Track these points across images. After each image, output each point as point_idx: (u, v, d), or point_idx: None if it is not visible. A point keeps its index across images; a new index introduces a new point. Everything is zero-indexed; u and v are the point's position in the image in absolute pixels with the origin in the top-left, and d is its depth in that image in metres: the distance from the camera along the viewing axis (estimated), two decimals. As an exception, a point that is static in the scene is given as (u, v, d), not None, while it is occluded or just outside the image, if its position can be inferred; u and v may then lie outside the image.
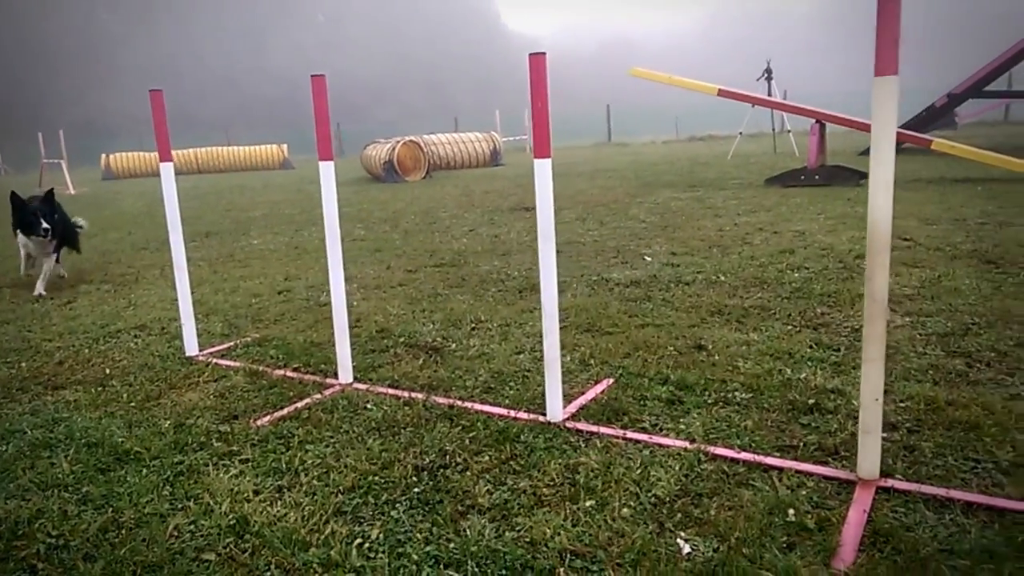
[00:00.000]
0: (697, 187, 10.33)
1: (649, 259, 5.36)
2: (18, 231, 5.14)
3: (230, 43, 66.43)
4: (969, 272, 4.29)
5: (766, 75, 15.62)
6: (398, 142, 16.48)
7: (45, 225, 4.94)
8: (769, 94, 15.53)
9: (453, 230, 7.53)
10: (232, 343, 3.73)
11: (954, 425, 2.34)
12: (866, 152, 13.49)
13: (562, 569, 1.70)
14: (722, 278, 4.58)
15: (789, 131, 16.61)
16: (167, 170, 3.36)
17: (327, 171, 2.95)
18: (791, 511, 1.88)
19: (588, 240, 6.35)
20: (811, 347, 3.17)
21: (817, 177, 9.45)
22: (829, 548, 1.73)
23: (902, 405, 2.52)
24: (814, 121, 9.75)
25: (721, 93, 10.22)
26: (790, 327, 3.49)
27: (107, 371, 3.36)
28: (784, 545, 1.76)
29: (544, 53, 2.38)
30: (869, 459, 2.04)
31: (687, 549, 1.76)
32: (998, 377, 2.72)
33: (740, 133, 16.29)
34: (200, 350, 3.59)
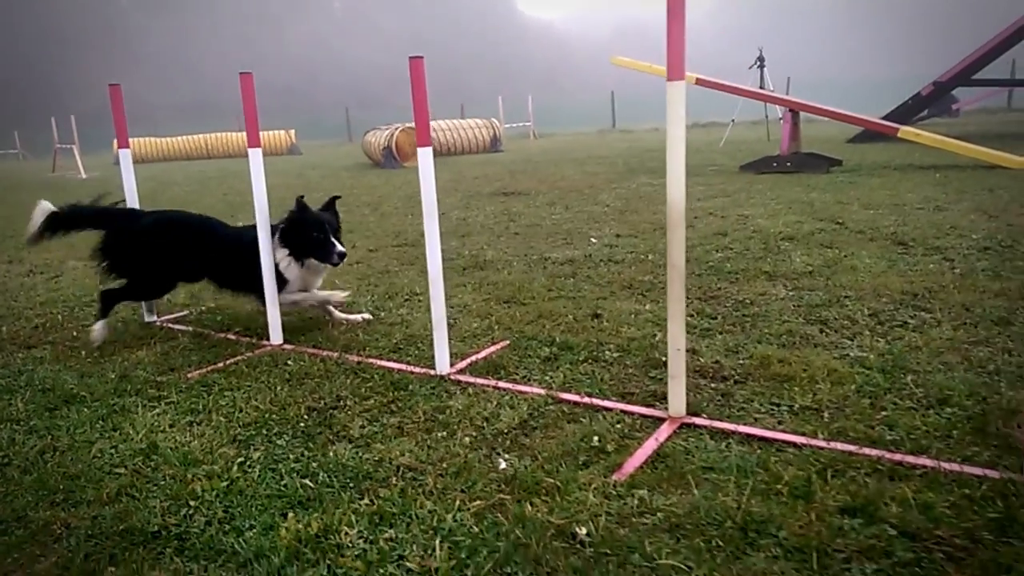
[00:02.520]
0: (675, 173, 10.61)
1: (595, 241, 5.73)
2: (290, 253, 3.54)
3: (249, 30, 67.05)
4: (874, 252, 4.62)
5: (759, 63, 15.76)
6: (397, 128, 16.90)
7: (341, 248, 3.47)
8: (761, 81, 15.70)
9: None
10: (187, 311, 4.17)
11: (775, 378, 2.71)
12: (855, 139, 13.71)
13: (394, 478, 2.11)
14: (650, 257, 4.95)
15: (780, 119, 16.77)
16: (125, 156, 3.79)
17: (255, 158, 3.35)
18: (596, 439, 2.28)
19: (547, 223, 6.72)
20: (692, 316, 3.54)
21: (789, 164, 9.72)
22: (615, 465, 2.13)
23: (740, 361, 2.90)
24: (786, 109, 10.01)
25: (699, 82, 10.48)
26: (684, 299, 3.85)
27: (75, 334, 3.81)
28: (581, 463, 2.16)
29: (422, 57, 2.76)
30: (676, 400, 2.42)
31: (503, 465, 2.16)
32: (839, 341, 3.08)
33: (732, 121, 16.50)
34: (159, 317, 4.03)
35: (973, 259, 4.31)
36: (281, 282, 3.54)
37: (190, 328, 3.79)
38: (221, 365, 3.17)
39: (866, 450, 2.11)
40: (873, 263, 4.35)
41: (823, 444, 2.17)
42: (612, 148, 18.32)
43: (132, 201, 3.92)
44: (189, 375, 3.07)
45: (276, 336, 3.47)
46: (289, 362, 3.18)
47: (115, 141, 20.63)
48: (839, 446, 2.15)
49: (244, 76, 3.23)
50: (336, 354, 3.23)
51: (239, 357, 3.28)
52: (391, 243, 6.15)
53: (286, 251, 3.55)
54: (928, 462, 2.02)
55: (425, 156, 2.88)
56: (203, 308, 4.24)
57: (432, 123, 19.25)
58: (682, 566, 1.64)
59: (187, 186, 14.02)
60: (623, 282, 4.29)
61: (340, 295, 3.81)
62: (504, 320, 3.65)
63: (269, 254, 3.45)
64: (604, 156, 15.47)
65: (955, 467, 1.99)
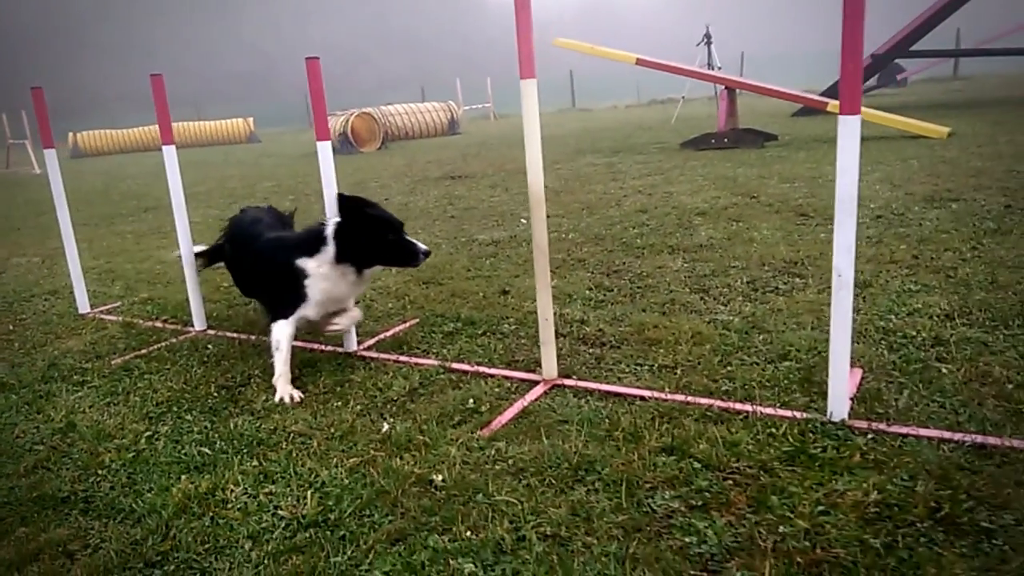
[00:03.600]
0: (620, 152, 10.90)
1: (524, 221, 5.99)
2: (347, 259, 2.85)
3: (206, 17, 65.64)
4: (775, 224, 4.95)
5: (706, 40, 16.04)
6: (351, 114, 16.94)
7: (424, 247, 2.88)
8: (709, 59, 15.99)
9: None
10: (120, 302, 4.36)
11: (645, 341, 3.01)
12: (798, 113, 13.97)
13: (285, 442, 2.37)
14: (570, 236, 5.23)
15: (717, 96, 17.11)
16: (51, 156, 3.95)
17: (169, 154, 3.54)
18: (472, 401, 2.55)
19: (484, 206, 6.97)
20: (591, 289, 3.83)
21: (726, 140, 10.04)
22: (484, 423, 2.40)
23: (620, 329, 3.19)
24: (722, 87, 10.32)
25: (639, 62, 10.73)
26: (588, 274, 4.15)
27: (11, 327, 3.99)
28: (455, 422, 2.43)
29: (318, 57, 2.98)
30: (548, 364, 2.70)
31: (385, 427, 2.43)
32: (714, 307, 3.39)
33: (683, 98, 16.80)
34: (93, 308, 4.22)
35: (863, 228, 4.64)
36: (299, 299, 2.87)
37: (119, 318, 3.99)
38: (144, 351, 3.39)
39: (700, 399, 2.41)
40: (770, 234, 4.67)
41: (665, 396, 2.47)
42: (567, 128, 18.53)
43: (59, 198, 4.07)
44: (113, 361, 3.28)
45: (199, 322, 3.69)
46: (209, 346, 3.41)
47: (69, 135, 20.15)
48: (679, 397, 2.44)
49: (155, 78, 3.40)
50: (254, 337, 3.46)
51: (162, 343, 3.50)
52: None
53: (327, 257, 2.84)
54: (749, 408, 2.33)
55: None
56: (135, 298, 4.43)
57: (388, 108, 19.37)
58: (515, 501, 1.93)
59: (140, 179, 13.99)
60: (538, 260, 4.56)
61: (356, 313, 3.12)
62: (419, 300, 3.90)
63: (188, 242, 3.61)
64: (557, 136, 15.69)
65: (771, 411, 2.30)
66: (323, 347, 3.28)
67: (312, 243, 2.89)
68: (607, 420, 2.33)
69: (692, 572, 1.61)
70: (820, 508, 1.77)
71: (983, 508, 1.72)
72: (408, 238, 2.88)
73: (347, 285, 2.91)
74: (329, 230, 2.86)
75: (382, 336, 3.37)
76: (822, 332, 2.95)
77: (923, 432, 2.09)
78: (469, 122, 25.75)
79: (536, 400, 2.55)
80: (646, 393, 2.50)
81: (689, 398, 2.43)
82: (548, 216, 6.09)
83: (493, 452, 2.20)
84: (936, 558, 1.58)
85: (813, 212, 5.24)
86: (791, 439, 2.10)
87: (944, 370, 2.49)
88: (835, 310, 2.19)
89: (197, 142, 26.10)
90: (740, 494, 1.88)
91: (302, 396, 2.73)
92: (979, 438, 2.02)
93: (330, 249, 2.84)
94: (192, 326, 3.72)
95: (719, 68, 15.06)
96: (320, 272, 2.86)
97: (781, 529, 1.71)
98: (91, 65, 54.02)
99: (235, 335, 3.55)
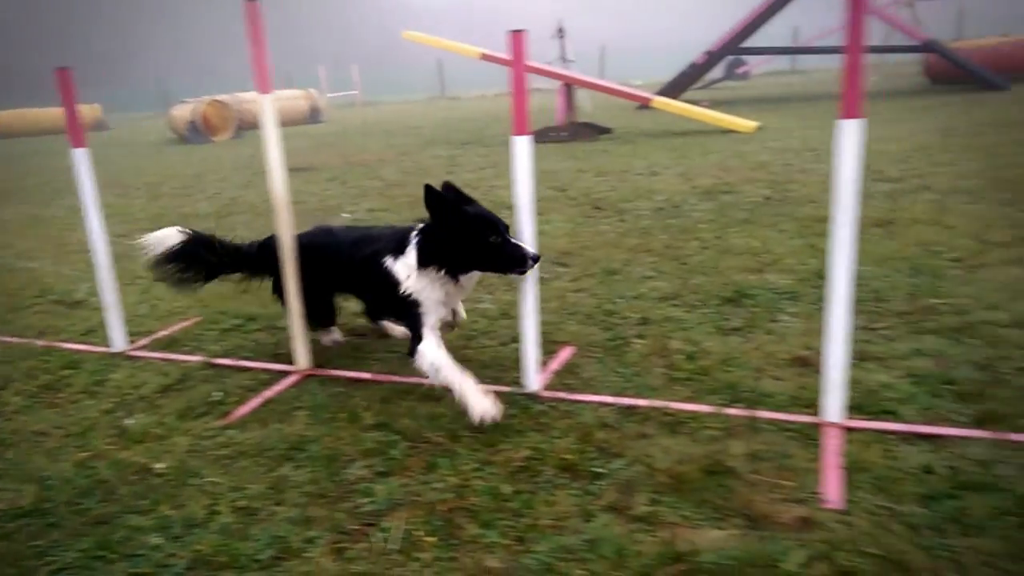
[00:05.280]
0: (469, 143, 11.22)
1: (346, 216, 6.15)
2: (438, 265, 2.56)
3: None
4: (570, 217, 5.39)
5: (559, 34, 16.64)
6: (202, 101, 16.30)
7: (533, 251, 2.51)
8: (563, 53, 16.61)
9: (206, 193, 7.99)
10: None
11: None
12: (642, 106, 14.71)
13: (23, 443, 2.47)
14: (382, 230, 5.45)
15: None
16: None
17: (79, 158, 3.44)
18: (220, 394, 2.74)
19: (313, 201, 7.05)
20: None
21: (564, 134, 10.58)
22: (225, 413, 2.60)
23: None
24: (561, 83, 10.84)
25: (484, 57, 11.07)
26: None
27: None
28: (196, 414, 2.61)
29: (68, 68, 3.03)
30: (300, 356, 2.93)
31: (128, 423, 2.57)
32: (480, 297, 3.73)
33: (536, 89, 17.34)
34: None
35: (644, 219, 5.16)
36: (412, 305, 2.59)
37: None
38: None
39: (425, 380, 2.72)
40: (559, 227, 5.10)
41: (399, 379, 2.76)
42: (430, 118, 18.69)
43: None
44: None
45: (-28, 327, 3.64)
46: (-19, 350, 3.38)
47: None
48: (412, 379, 2.74)
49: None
50: (26, 341, 3.47)
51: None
52: (148, 227, 6.21)
53: (410, 263, 2.56)
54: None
55: (80, 158, 3.14)
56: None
57: (245, 95, 18.73)
58: (221, 481, 2.15)
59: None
60: (340, 255, 4.76)
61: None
62: (206, 298, 4.00)
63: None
64: (417, 126, 15.84)
65: (484, 386, 2.64)
66: (94, 348, 3.34)
67: (399, 247, 2.61)
68: (337, 404, 2.60)
69: (354, 526, 1.90)
70: (476, 466, 2.12)
71: (602, 457, 2.12)
72: (514, 241, 2.51)
73: (444, 294, 2.59)
74: (415, 233, 2.58)
75: (158, 335, 3.47)
76: (559, 316, 3.35)
77: (592, 398, 2.50)
78: (336, 110, 25.34)
79: (283, 390, 2.78)
80: (381, 377, 2.79)
81: (418, 380, 2.74)
82: (371, 210, 6.32)
83: (222, 439, 2.40)
84: (549, 498, 1.95)
85: (607, 206, 5.74)
86: (507, 407, 2.45)
87: (637, 345, 2.94)
88: (523, 298, 2.55)
89: (42, 131, 24.02)
90: (421, 459, 2.19)
91: (498, 410, 2.33)
92: (630, 401, 2.45)
93: (412, 254, 2.56)
94: (-38, 332, 3.66)
95: (572, 62, 15.71)
96: (411, 280, 2.57)
97: (437, 485, 2.04)
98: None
99: (7, 339, 3.53)
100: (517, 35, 2.34)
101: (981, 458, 1.98)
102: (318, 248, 2.97)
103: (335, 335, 3.25)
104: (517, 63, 2.36)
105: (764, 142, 8.61)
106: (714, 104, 14.35)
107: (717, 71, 21.20)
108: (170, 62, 49.06)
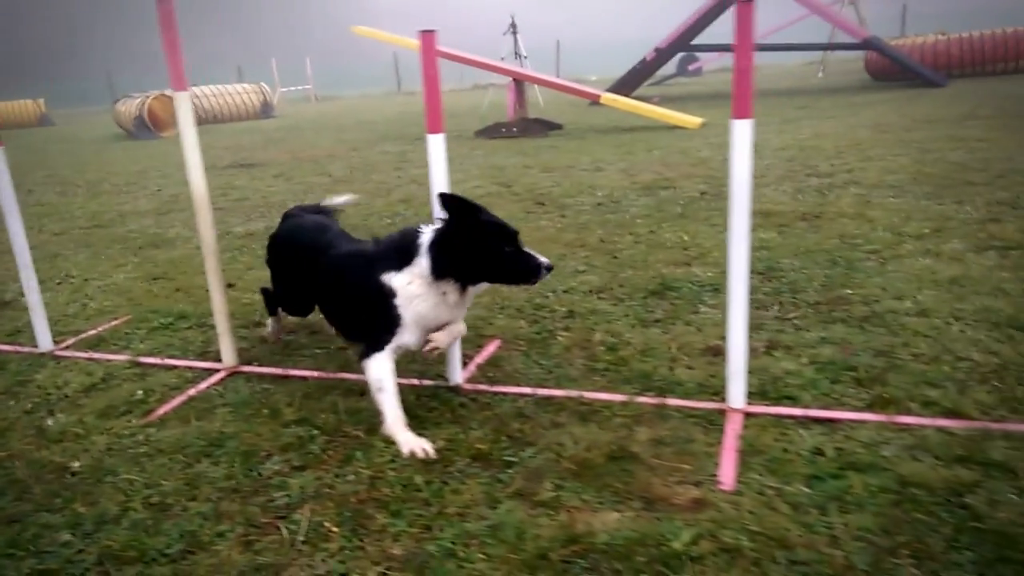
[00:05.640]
0: (420, 139, 11.18)
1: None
2: (450, 275, 2.35)
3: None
4: (510, 212, 5.45)
5: (511, 29, 16.68)
6: (148, 96, 15.94)
7: (546, 260, 2.39)
8: (516, 48, 16.66)
9: (148, 190, 7.85)
10: None
11: (335, 327, 3.32)
12: (594, 103, 14.81)
13: (-66, 445, 2.44)
14: (324, 226, 5.44)
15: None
16: None
17: None
18: (142, 393, 2.74)
19: (257, 196, 6.99)
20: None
21: (514, 129, 10.64)
22: (149, 411, 2.60)
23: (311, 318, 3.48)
24: (511, 80, 10.90)
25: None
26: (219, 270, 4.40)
27: None
28: (120, 413, 2.60)
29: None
30: (226, 353, 2.94)
31: (50, 422, 2.55)
32: (415, 291, 3.76)
33: (492, 84, 17.37)
34: None
35: (584, 215, 5.25)
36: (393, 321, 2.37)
37: None
38: None
39: (350, 376, 2.76)
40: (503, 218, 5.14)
41: (323, 374, 2.79)
42: (386, 112, 18.59)
43: None
44: None
45: None
46: None
47: None
48: (336, 375, 2.78)
49: None
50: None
51: None
52: (84, 225, 6.11)
53: (420, 272, 2.35)
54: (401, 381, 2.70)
55: None
56: None
57: (195, 89, 18.36)
58: (137, 478, 2.16)
59: None
60: (279, 252, 4.74)
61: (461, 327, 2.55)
62: (139, 296, 3.97)
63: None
64: (370, 121, 15.75)
65: (404, 381, 2.68)
66: (20, 348, 3.30)
67: (402, 254, 2.38)
68: (259, 400, 2.62)
69: (266, 519, 1.94)
70: (390, 459, 2.17)
71: (515, 446, 2.19)
72: (526, 250, 2.39)
73: (447, 307, 2.39)
74: (424, 239, 2.36)
75: (86, 335, 3.43)
76: (490, 311, 3.41)
77: (512, 390, 2.57)
78: (289, 104, 25.01)
79: (208, 387, 2.78)
80: (306, 374, 2.82)
81: (342, 375, 2.77)
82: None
83: (141, 438, 2.41)
84: (459, 487, 2.01)
85: (550, 201, 5.82)
86: (407, 403, 2.50)
87: (560, 338, 3.02)
88: (444, 294, 2.60)
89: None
90: (338, 453, 2.23)
91: (432, 447, 2.19)
92: (547, 392, 2.52)
93: (423, 262, 2.34)
94: None
95: (525, 57, 15.78)
96: (411, 291, 2.36)
97: (351, 478, 2.08)
98: None
99: (-73, 341, 3.46)
100: (428, 35, 2.38)
101: (869, 440, 2.10)
102: (305, 245, 2.78)
103: (278, 329, 3.22)
104: (428, 63, 2.40)
105: (707, 138, 8.79)
106: (665, 100, 14.61)
107: (670, 67, 21.53)
108: (121, 55, 47.67)
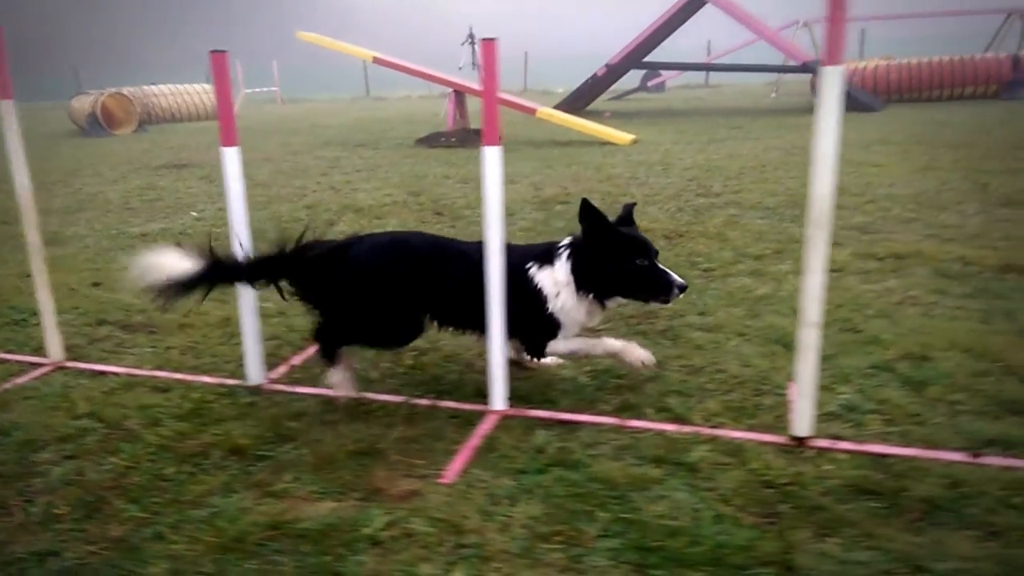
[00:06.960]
0: (362, 145, 11.35)
1: (194, 214, 6.25)
2: (582, 286, 2.51)
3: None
4: (406, 222, 5.63)
5: (469, 40, 16.92)
6: (102, 93, 15.93)
7: (681, 280, 2.46)
8: (474, 59, 16.90)
9: (69, 188, 7.92)
10: None
11: (180, 327, 3.47)
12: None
13: None
14: (220, 229, 5.58)
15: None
16: None
17: None
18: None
19: (172, 198, 7.11)
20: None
21: (454, 139, 10.83)
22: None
23: (164, 316, 3.63)
24: (451, 90, 11.10)
25: (376, 60, 11.27)
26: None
27: None
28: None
29: None
30: (53, 348, 3.07)
31: None
32: (274, 299, 3.91)
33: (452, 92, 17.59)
34: None
35: (474, 226, 5.43)
36: (551, 326, 2.54)
37: None
38: None
39: (162, 374, 2.91)
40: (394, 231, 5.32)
41: (137, 372, 2.94)
42: (346, 117, 18.70)
43: None
44: None
45: None
46: None
47: None
48: (144, 372, 2.93)
49: None
50: None
51: None
52: (-9, 222, 6.19)
53: (569, 280, 2.48)
54: (190, 377, 2.86)
55: None
56: None
57: (152, 88, 18.38)
58: (-82, 464, 2.29)
59: None
60: (162, 254, 4.88)
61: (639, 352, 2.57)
62: (4, 292, 4.08)
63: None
64: (324, 125, 15.86)
65: (208, 379, 2.84)
66: None
67: (543, 259, 2.55)
68: (65, 395, 2.76)
69: (15, 502, 2.08)
70: (153, 451, 2.32)
71: (277, 442, 2.35)
72: (661, 267, 2.45)
73: (584, 315, 2.54)
74: (563, 249, 2.53)
75: None
76: (328, 315, 3.57)
77: (310, 391, 2.73)
78: (254, 106, 25.02)
79: (28, 381, 2.92)
80: (120, 370, 2.96)
81: (156, 373, 2.92)
82: (221, 209, 6.41)
83: (-57, 427, 2.54)
84: (206, 478, 2.17)
85: (448, 212, 6.00)
86: (191, 401, 2.65)
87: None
88: (242, 295, 2.77)
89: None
90: (109, 445, 2.38)
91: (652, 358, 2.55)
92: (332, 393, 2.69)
93: (562, 270, 2.50)
94: None
95: (474, 67, 16.02)
96: (550, 289, 2.51)
97: (107, 467, 2.24)
98: None
99: None
100: (218, 56, 2.55)
101: (589, 441, 2.29)
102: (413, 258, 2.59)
103: (352, 376, 2.64)
104: (221, 83, 2.57)
105: (630, 155, 9.04)
106: (616, 115, 14.92)
107: (632, 82, 21.89)
108: (90, 51, 47.31)
